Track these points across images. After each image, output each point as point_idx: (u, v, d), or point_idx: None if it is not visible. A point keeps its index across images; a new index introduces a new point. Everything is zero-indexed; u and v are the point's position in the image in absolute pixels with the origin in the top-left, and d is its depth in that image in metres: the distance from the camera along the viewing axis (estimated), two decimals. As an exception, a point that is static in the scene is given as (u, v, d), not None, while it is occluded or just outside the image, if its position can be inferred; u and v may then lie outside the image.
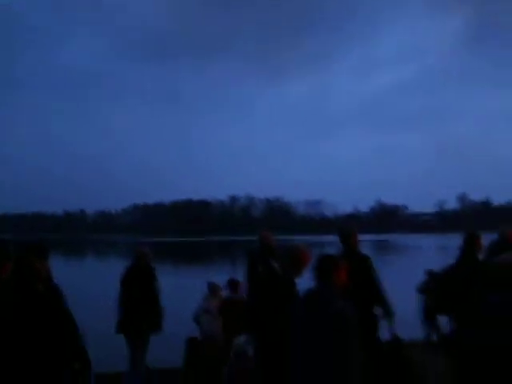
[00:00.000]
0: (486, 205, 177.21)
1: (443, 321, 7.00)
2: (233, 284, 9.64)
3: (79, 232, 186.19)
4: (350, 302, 4.21)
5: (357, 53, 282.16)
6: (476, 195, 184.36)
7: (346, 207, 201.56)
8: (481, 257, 6.76)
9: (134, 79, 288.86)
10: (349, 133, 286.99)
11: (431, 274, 11.76)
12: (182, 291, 20.22)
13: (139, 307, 7.64)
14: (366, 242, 73.83)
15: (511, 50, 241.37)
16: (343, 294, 4.27)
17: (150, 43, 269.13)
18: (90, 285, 26.39)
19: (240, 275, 9.09)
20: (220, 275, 22.88)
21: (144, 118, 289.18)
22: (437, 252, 55.78)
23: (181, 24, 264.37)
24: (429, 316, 11.37)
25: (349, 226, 7.37)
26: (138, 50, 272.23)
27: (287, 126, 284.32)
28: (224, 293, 9.87)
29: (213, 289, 9.95)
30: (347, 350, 3.97)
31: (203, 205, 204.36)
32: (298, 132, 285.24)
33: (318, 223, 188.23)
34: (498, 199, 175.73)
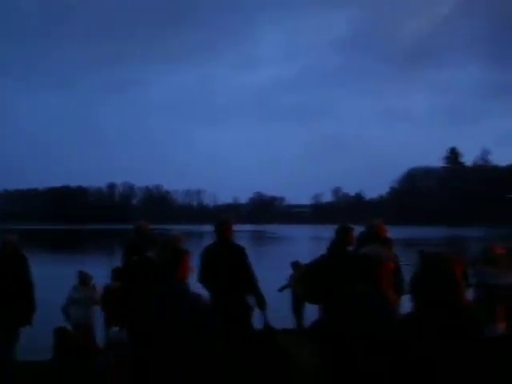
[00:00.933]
0: (358, 198, 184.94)
1: (313, 310, 7.23)
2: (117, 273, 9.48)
3: None
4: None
5: (243, 47, 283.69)
6: (350, 189, 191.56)
7: (226, 197, 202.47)
8: (351, 248, 7.04)
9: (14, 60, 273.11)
10: (231, 125, 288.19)
11: (297, 266, 12.19)
12: (56, 281, 19.50)
13: (3, 299, 7.24)
14: (244, 232, 74.78)
15: (391, 53, 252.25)
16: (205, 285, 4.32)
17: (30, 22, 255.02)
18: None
19: (118, 264, 8.95)
20: (97, 264, 22.31)
21: (26, 103, 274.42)
22: (311, 242, 57.55)
23: (65, 7, 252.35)
24: (298, 305, 11.74)
25: (224, 216, 7.46)
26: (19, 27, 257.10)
27: (171, 115, 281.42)
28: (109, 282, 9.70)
29: (83, 278, 9.74)
30: (203, 343, 4.05)
31: (81, 191, 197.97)
32: (182, 121, 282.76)
33: (198, 213, 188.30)
34: (370, 194, 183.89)
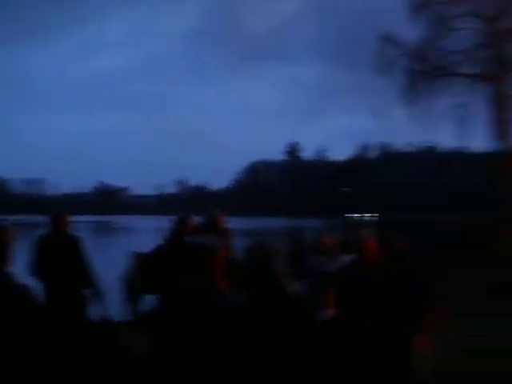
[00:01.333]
0: (202, 190, 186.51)
1: (148, 300, 7.23)
2: None
3: None
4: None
5: (86, 32, 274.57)
6: (195, 180, 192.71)
7: (68, 187, 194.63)
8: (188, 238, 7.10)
9: None
10: (74, 112, 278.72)
11: (137, 257, 12.02)
12: None
13: None
14: (87, 223, 72.65)
15: (240, 47, 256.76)
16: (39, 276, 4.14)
17: None
18: None
19: None
20: None
21: None
22: (154, 233, 57.04)
23: None
24: (134, 296, 11.60)
25: (60, 206, 7.31)
26: None
27: (10, 99, 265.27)
28: None
29: None
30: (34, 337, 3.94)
31: None
32: (22, 107, 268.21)
33: (38, 202, 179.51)
34: (217, 185, 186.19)
